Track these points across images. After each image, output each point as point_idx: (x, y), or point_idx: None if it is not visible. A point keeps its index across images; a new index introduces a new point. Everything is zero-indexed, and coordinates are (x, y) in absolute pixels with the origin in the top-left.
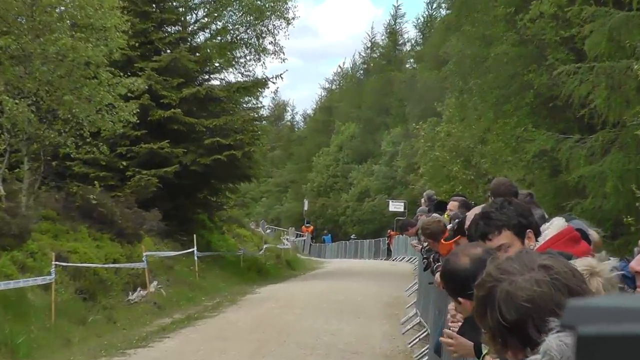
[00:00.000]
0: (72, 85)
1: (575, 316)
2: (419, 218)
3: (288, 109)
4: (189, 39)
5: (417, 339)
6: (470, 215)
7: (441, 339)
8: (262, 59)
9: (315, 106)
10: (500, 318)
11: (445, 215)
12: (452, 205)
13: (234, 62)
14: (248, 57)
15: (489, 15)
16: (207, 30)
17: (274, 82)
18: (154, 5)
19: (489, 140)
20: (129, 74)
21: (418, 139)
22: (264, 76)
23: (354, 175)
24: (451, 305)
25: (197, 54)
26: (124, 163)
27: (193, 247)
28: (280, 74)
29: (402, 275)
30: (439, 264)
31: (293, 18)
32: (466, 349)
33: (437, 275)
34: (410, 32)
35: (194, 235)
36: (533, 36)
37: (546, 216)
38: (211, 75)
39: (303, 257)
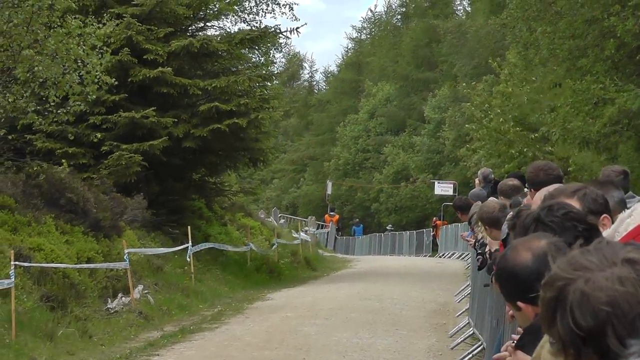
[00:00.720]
0: (33, 37)
1: None
2: (475, 204)
3: (305, 65)
4: None
5: (470, 355)
6: (538, 198)
7: (495, 357)
8: (270, 5)
9: (340, 61)
10: (573, 325)
11: None
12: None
13: (235, 5)
14: (257, 1)
15: None
16: None
17: (287, 37)
18: None
19: (557, 106)
20: (102, 22)
21: (470, 103)
22: (276, 27)
23: (389, 151)
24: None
25: None
26: (99, 135)
27: (187, 243)
28: (297, 28)
29: (451, 276)
30: (496, 254)
31: None
32: None
33: None
34: None
35: (188, 228)
36: None
37: (628, 201)
38: (207, 23)
39: (326, 254)
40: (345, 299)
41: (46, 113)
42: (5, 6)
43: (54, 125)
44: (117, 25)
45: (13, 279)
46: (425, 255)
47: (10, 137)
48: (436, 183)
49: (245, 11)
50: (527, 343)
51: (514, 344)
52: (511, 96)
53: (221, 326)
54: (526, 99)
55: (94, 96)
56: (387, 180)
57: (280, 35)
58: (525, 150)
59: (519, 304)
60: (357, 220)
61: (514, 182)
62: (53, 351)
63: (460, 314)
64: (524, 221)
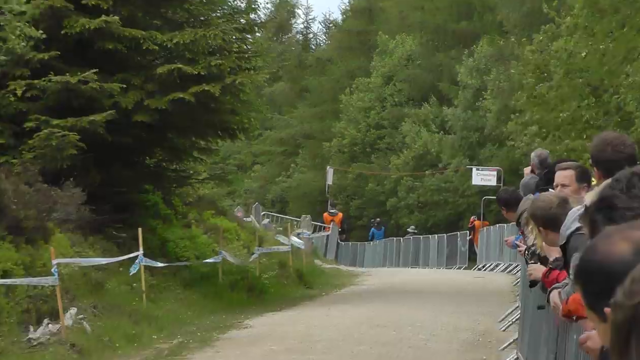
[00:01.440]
0: None
1: None
2: (525, 198)
3: (299, 12)
4: None
5: None
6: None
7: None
8: None
9: (344, 7)
10: None
11: None
12: (561, 176)
13: None
14: None
15: None
16: None
17: None
18: None
19: (630, 69)
20: None
21: (521, 62)
22: None
23: (407, 128)
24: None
25: None
26: (20, 105)
27: (138, 251)
28: None
29: (494, 295)
30: (556, 264)
31: None
32: None
33: (554, 294)
34: None
35: (139, 230)
36: None
37: None
38: None
39: (326, 266)
40: (350, 327)
41: None
42: None
43: None
44: None
45: None
46: (459, 267)
47: None
48: (474, 170)
49: None
50: None
51: None
52: (572, 55)
53: None
54: (585, 53)
55: (19, 51)
56: (407, 167)
57: None
58: (584, 137)
59: (607, 311)
60: (378, 220)
61: (579, 166)
62: None
63: (505, 347)
64: (601, 189)
